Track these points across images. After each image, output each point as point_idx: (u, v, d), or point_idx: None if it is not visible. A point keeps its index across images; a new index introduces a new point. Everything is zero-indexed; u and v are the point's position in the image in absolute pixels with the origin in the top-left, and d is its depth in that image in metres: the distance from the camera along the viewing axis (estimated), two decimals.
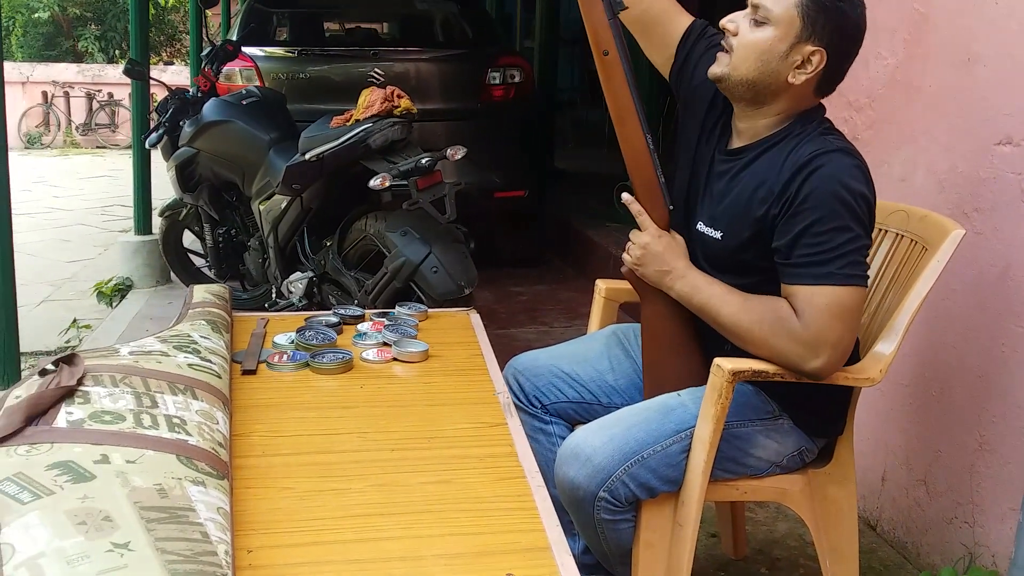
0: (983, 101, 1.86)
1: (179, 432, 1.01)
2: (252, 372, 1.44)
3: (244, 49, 4.14)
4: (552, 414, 1.75)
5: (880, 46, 2.15)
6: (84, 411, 1.01)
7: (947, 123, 1.96)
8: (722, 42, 1.49)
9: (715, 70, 1.50)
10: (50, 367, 1.09)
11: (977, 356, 1.87)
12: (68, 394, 1.03)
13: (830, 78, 1.47)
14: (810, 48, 1.42)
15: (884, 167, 2.12)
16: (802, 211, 1.41)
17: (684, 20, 1.64)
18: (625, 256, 1.62)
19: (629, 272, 1.62)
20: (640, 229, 1.59)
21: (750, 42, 1.45)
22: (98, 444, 0.95)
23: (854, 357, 1.55)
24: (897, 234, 1.72)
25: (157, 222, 4.24)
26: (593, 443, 1.49)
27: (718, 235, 1.53)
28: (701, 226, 1.56)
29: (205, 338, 1.34)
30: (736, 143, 1.55)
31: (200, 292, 1.59)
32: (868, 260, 1.44)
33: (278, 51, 4.63)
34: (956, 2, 1.93)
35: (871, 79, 2.19)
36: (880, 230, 1.75)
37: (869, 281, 1.64)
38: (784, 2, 1.42)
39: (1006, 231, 1.79)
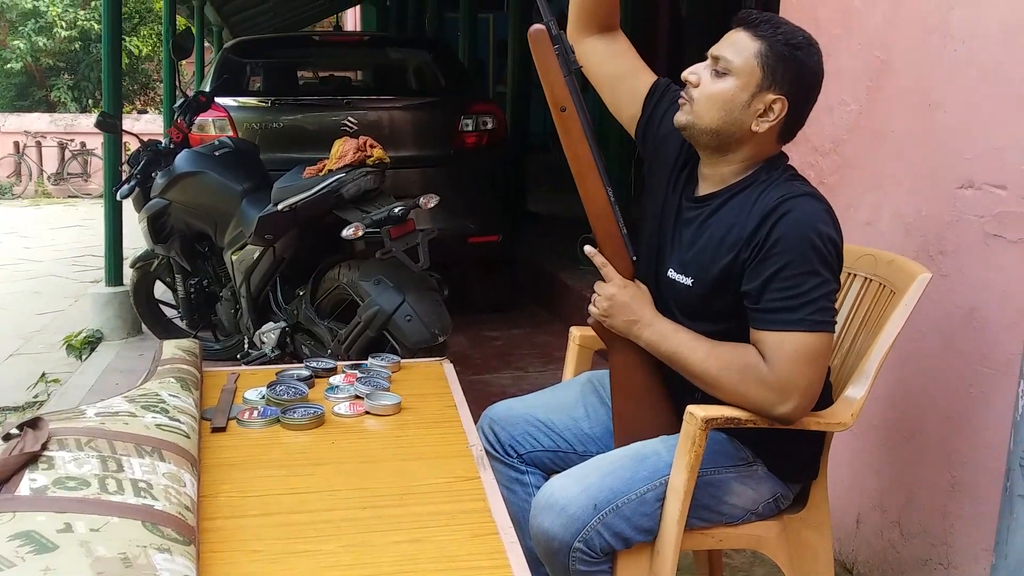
0: (945, 146, 1.90)
1: (145, 497, 1.00)
2: (222, 429, 1.43)
3: (217, 99, 4.16)
4: (528, 463, 1.74)
5: (844, 92, 2.19)
6: (48, 477, 0.99)
7: (911, 167, 2.00)
8: (683, 92, 1.52)
9: (680, 118, 1.52)
10: (14, 431, 1.08)
11: (946, 397, 1.88)
12: (32, 460, 1.02)
13: (791, 125, 1.50)
14: (771, 97, 1.45)
15: (851, 211, 2.16)
16: (772, 255, 1.42)
17: (649, 77, 1.68)
18: (591, 308, 1.62)
19: (596, 323, 1.63)
20: (604, 280, 1.60)
21: (712, 93, 1.47)
22: (62, 512, 0.93)
23: (826, 401, 1.56)
24: (865, 278, 1.74)
25: (128, 273, 4.21)
26: (567, 492, 1.48)
27: (688, 282, 1.54)
28: (671, 273, 1.57)
29: (174, 396, 1.32)
30: (703, 190, 1.57)
31: (170, 348, 1.57)
32: (837, 304, 1.46)
33: (251, 101, 4.65)
34: (916, 50, 1.98)
35: (835, 125, 2.23)
36: (848, 274, 1.77)
37: (838, 325, 1.66)
38: (744, 53, 1.45)
39: (971, 273, 1.82)
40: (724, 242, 1.49)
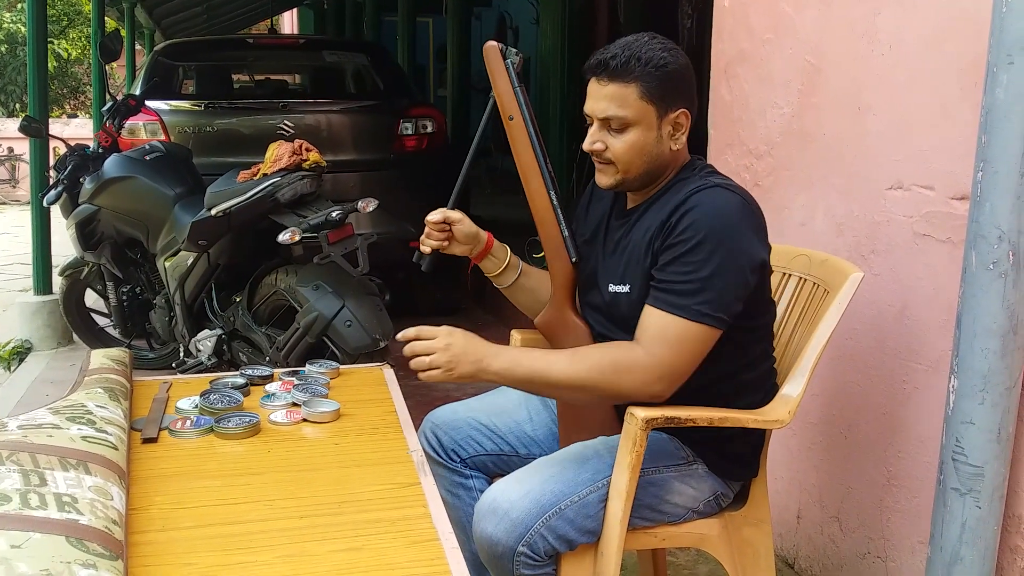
0: (874, 148, 1.94)
1: (70, 511, 0.96)
2: (153, 440, 1.39)
3: (148, 103, 4.06)
4: (472, 468, 1.73)
5: (776, 96, 2.23)
6: None
7: (842, 169, 2.04)
8: (595, 162, 1.55)
9: (606, 180, 1.54)
10: None
11: (881, 394, 1.92)
12: None
13: (695, 120, 1.55)
14: (673, 116, 1.49)
15: (785, 212, 2.19)
16: (677, 243, 1.45)
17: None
18: (432, 372, 1.42)
19: (440, 374, 1.42)
20: (424, 340, 1.43)
21: (624, 149, 1.49)
22: None
23: (765, 398, 1.58)
24: (800, 277, 1.77)
25: (58, 281, 4.09)
26: (510, 496, 1.47)
27: (627, 289, 1.54)
28: (612, 287, 1.58)
29: (101, 407, 1.28)
30: (630, 205, 1.61)
31: (98, 357, 1.53)
32: (741, 296, 1.45)
33: (184, 104, 4.55)
34: (846, 55, 2.01)
35: (768, 128, 2.26)
36: (783, 274, 1.79)
37: (777, 323, 1.68)
38: (628, 102, 1.46)
39: (902, 272, 1.86)
40: (644, 240, 1.51)
